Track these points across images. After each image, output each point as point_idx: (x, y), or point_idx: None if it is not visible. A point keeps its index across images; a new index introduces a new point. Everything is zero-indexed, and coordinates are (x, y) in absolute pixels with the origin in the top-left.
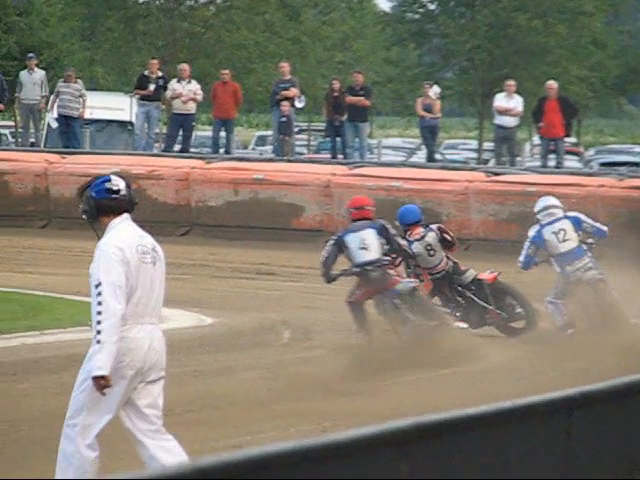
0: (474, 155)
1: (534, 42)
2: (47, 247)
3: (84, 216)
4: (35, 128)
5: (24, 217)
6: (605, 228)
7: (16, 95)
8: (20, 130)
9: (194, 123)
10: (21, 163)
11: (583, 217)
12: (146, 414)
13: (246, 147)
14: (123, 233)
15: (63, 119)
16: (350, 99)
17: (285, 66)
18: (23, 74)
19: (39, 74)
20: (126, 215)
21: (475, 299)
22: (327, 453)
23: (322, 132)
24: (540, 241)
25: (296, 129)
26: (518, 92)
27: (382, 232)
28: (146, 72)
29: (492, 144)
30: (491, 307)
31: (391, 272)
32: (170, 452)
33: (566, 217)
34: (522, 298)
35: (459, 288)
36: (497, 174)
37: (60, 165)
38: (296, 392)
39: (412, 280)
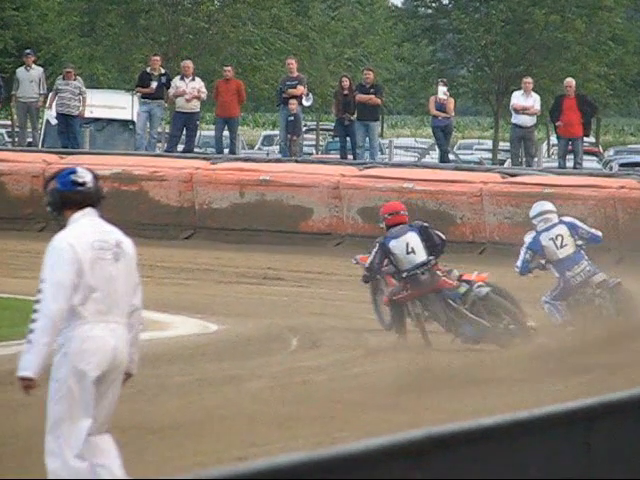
0: (489, 155)
1: (551, 38)
2: (43, 251)
3: (48, 209)
4: (32, 127)
5: (21, 220)
6: (600, 234)
7: (13, 93)
8: (17, 129)
9: (198, 122)
10: (18, 164)
11: (578, 222)
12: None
13: (252, 147)
14: (80, 229)
15: (62, 118)
16: (360, 97)
17: (292, 63)
18: (20, 71)
19: (37, 71)
20: (89, 210)
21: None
22: (337, 465)
23: (331, 131)
24: (538, 248)
25: (304, 128)
26: (535, 90)
27: (423, 233)
28: (148, 69)
29: (508, 144)
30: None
31: (439, 273)
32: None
33: (562, 222)
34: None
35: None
36: (513, 175)
37: (58, 166)
38: (304, 402)
39: (484, 284)
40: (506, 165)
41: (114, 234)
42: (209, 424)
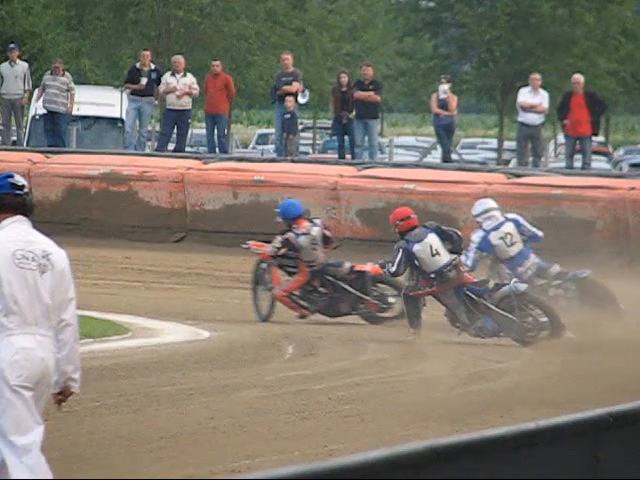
0: (493, 155)
1: (559, 32)
2: None
3: None
4: (17, 125)
5: None
6: (541, 234)
7: None
8: (0, 127)
9: (189, 120)
10: (1, 163)
11: (521, 220)
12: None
13: (246, 146)
14: (3, 236)
15: (49, 115)
16: (359, 94)
17: (288, 58)
18: (4, 66)
19: (21, 66)
20: (21, 217)
21: (349, 289)
22: (334, 478)
23: (329, 130)
24: (488, 247)
25: (300, 127)
26: (542, 87)
27: (440, 233)
28: (138, 64)
29: (513, 143)
30: (367, 297)
31: (461, 269)
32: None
33: (508, 220)
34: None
35: (331, 279)
36: (518, 176)
37: (44, 165)
38: (300, 412)
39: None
40: (511, 165)
41: (43, 245)
42: (201, 435)
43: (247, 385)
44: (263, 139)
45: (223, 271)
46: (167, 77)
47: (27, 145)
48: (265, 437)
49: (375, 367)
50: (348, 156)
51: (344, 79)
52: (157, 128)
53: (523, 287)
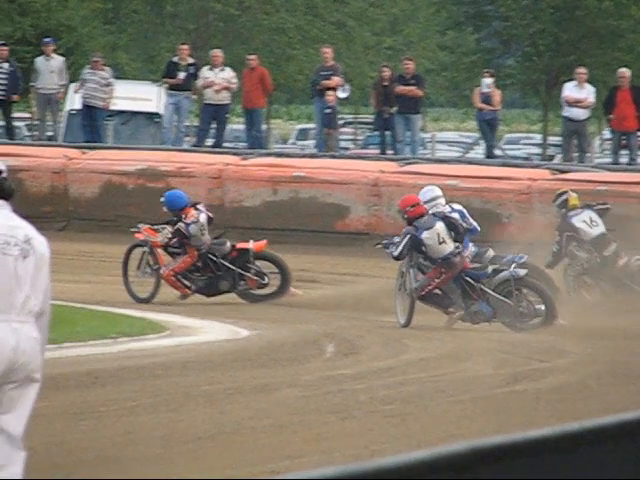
0: (538, 150)
1: (605, 25)
2: (65, 252)
3: None
4: (53, 120)
5: (40, 219)
6: (479, 228)
7: (31, 84)
8: (36, 123)
9: (228, 115)
10: (37, 159)
11: (465, 211)
12: (3, 419)
13: (286, 141)
14: None
15: (86, 110)
16: (401, 89)
17: (328, 51)
18: (39, 61)
19: (57, 60)
20: (1, 202)
21: (230, 266)
22: (375, 479)
23: (370, 125)
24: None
25: (341, 122)
26: (588, 81)
27: (446, 221)
28: (175, 59)
29: (558, 138)
30: (248, 274)
31: (464, 255)
32: (15, 465)
33: (454, 210)
34: None
35: (213, 258)
36: (563, 172)
37: (80, 161)
38: (341, 412)
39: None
40: (556, 161)
41: (24, 229)
42: (240, 436)
43: (287, 384)
44: (303, 134)
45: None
46: (205, 71)
47: (63, 140)
48: (305, 437)
49: (417, 366)
50: (390, 151)
51: (386, 73)
52: (195, 123)
53: (522, 272)
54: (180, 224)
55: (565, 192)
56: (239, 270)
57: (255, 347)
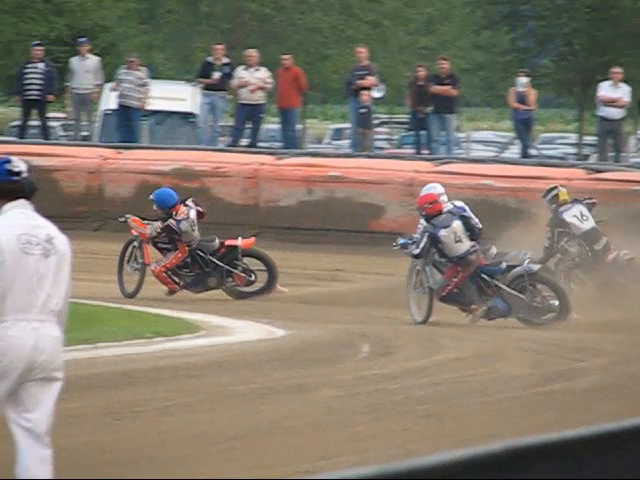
0: (573, 150)
1: None
2: (101, 252)
3: None
4: (88, 120)
5: (75, 219)
6: (480, 226)
7: (67, 84)
8: (71, 123)
9: (263, 114)
10: (72, 159)
11: (467, 209)
12: (27, 418)
13: (320, 141)
14: (8, 220)
15: (121, 110)
16: (436, 88)
17: (363, 51)
18: (74, 60)
19: (92, 60)
20: (22, 201)
21: (219, 263)
22: (411, 479)
23: (405, 125)
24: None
25: (376, 121)
26: (624, 80)
27: (463, 220)
28: (210, 58)
29: (593, 138)
30: (235, 270)
31: (478, 252)
32: (43, 464)
33: (456, 207)
34: None
35: (202, 255)
36: (599, 171)
37: (115, 161)
38: (376, 412)
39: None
40: (592, 160)
41: (46, 229)
42: (274, 435)
43: (322, 384)
44: (338, 134)
45: (297, 268)
46: (240, 71)
47: (99, 140)
48: (340, 437)
49: (452, 366)
50: (425, 151)
51: (422, 73)
52: (230, 123)
53: (536, 267)
54: (171, 220)
55: (555, 187)
56: (227, 267)
57: (289, 347)
